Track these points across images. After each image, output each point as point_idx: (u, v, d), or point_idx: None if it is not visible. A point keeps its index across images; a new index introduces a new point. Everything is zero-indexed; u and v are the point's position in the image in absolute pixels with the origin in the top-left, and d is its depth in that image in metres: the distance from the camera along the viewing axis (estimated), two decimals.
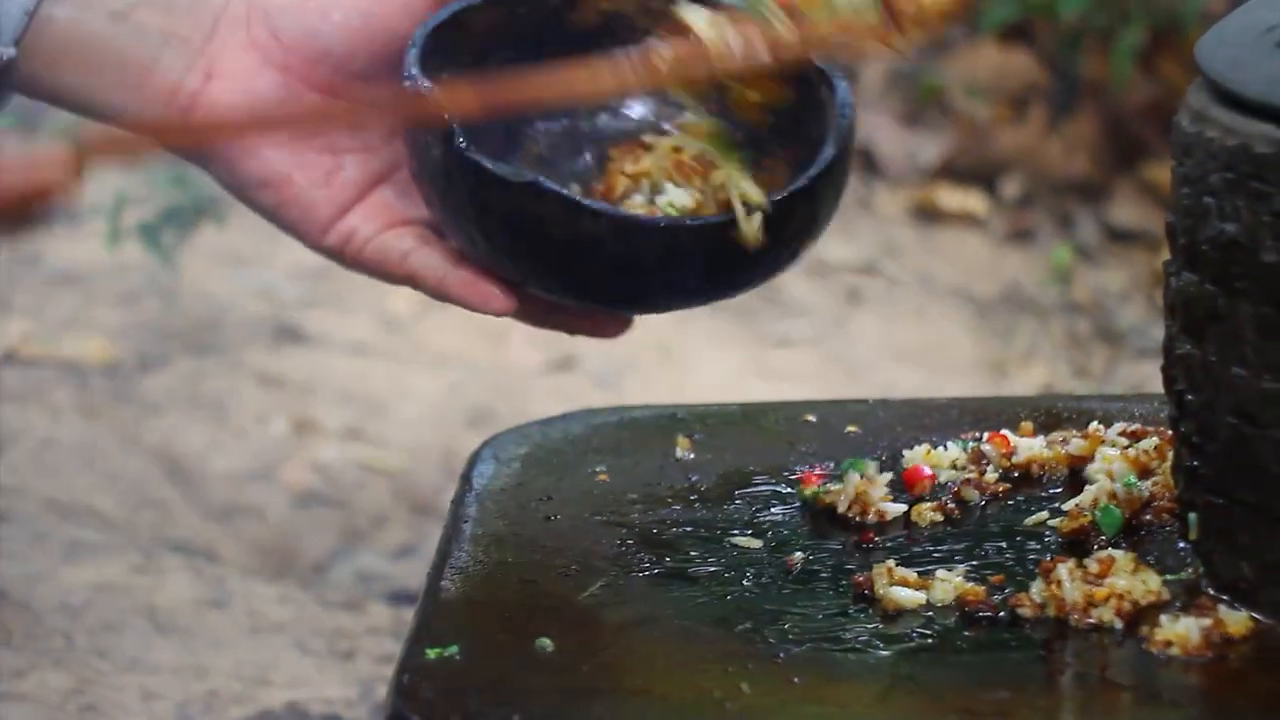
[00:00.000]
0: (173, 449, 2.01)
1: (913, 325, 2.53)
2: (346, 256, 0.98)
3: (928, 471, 0.98)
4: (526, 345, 2.31)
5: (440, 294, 0.97)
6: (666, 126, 1.02)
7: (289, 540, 1.90)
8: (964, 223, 2.82)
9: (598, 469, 1.03)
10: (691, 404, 1.11)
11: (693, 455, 1.04)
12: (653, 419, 1.09)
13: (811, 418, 1.08)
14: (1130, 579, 0.88)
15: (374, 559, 1.89)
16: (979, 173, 2.90)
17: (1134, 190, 2.83)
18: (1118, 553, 0.90)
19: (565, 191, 0.95)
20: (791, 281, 2.60)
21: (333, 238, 0.98)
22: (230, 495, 1.96)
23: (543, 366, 2.28)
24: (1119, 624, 0.87)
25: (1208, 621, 0.86)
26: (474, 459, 1.05)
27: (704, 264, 0.96)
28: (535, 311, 0.99)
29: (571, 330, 1.01)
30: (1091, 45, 2.90)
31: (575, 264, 0.95)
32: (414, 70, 0.95)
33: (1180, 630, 0.86)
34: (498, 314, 0.97)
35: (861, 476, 0.98)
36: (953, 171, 2.91)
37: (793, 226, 0.97)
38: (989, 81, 3.02)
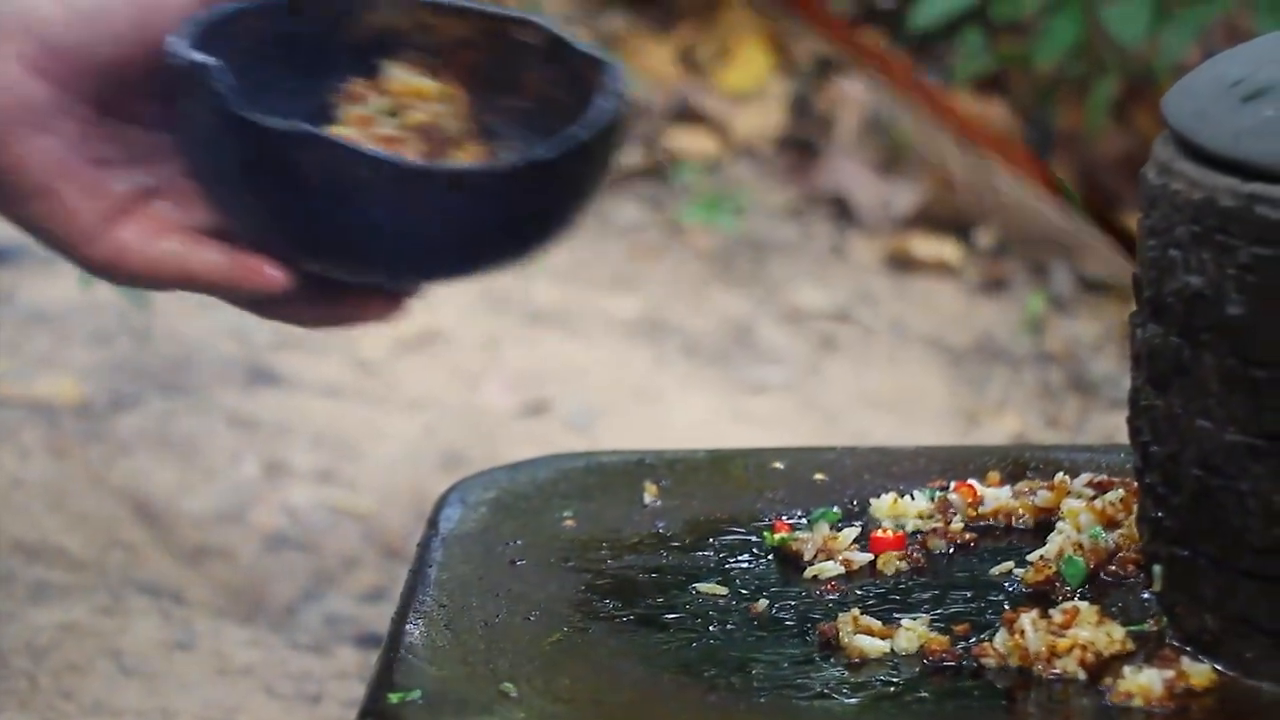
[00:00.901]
0: (142, 490, 2.00)
1: (886, 373, 2.54)
2: (119, 268, 0.98)
3: (892, 535, 0.98)
4: (500, 389, 2.31)
5: (216, 285, 0.97)
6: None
7: (258, 582, 1.90)
8: (938, 272, 2.82)
9: (565, 515, 1.03)
10: (660, 450, 1.11)
11: (660, 502, 1.04)
12: (620, 465, 1.09)
13: (779, 465, 1.08)
14: (1094, 630, 0.88)
15: (343, 602, 1.88)
16: (953, 222, 2.91)
17: (1107, 241, 2.84)
18: (1082, 604, 0.90)
19: (338, 138, 0.94)
20: (766, 327, 2.61)
21: (103, 249, 0.97)
22: (200, 537, 1.95)
23: (516, 410, 2.28)
24: (1082, 675, 0.87)
25: (1171, 673, 0.86)
26: (441, 503, 1.05)
27: (477, 214, 0.95)
28: (307, 299, 0.98)
29: (344, 319, 1.00)
30: (1066, 96, 2.92)
31: (347, 221, 0.94)
32: (184, 46, 0.94)
33: (1143, 681, 0.86)
34: (271, 289, 0.97)
35: (830, 527, 0.98)
36: (926, 220, 2.92)
37: (561, 182, 0.96)
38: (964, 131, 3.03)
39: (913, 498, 1.01)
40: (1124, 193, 2.88)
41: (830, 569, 0.95)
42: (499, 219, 0.96)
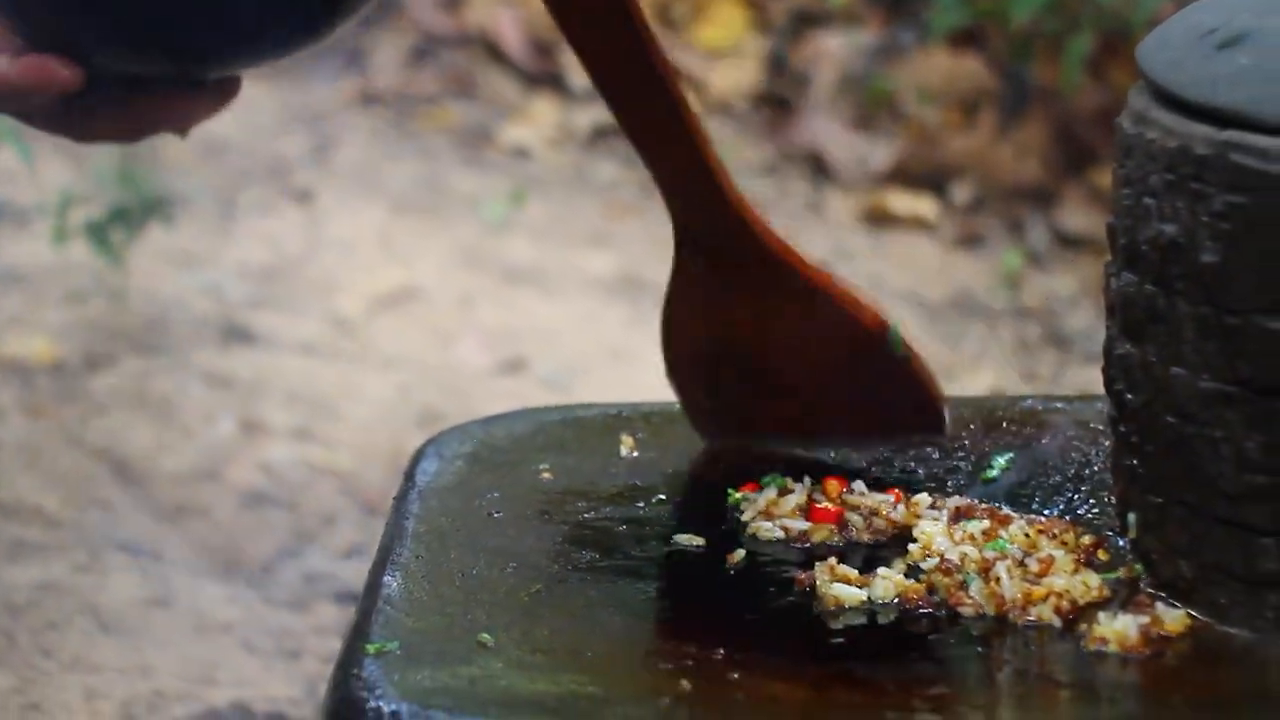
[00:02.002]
0: (119, 449, 2.00)
1: None
2: None
3: (831, 508, 0.97)
4: (476, 346, 2.31)
5: (10, 90, 0.95)
6: None
7: (236, 540, 1.90)
8: (914, 227, 2.82)
9: (541, 467, 1.03)
10: (635, 403, 1.11)
11: (636, 454, 1.04)
12: (597, 418, 1.09)
13: None
14: (1069, 578, 0.89)
15: (321, 559, 1.88)
16: (929, 178, 2.91)
17: (1084, 195, 2.85)
18: (1057, 553, 0.90)
19: None
20: None
21: None
22: (177, 495, 1.95)
23: (492, 368, 2.27)
24: (1058, 622, 0.87)
25: (1145, 619, 0.87)
26: (418, 456, 1.05)
27: None
28: (111, 105, 0.96)
29: (161, 120, 0.97)
30: (1042, 51, 2.91)
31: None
32: None
33: (1118, 627, 0.86)
34: (65, 87, 0.95)
35: (779, 492, 0.97)
36: (903, 176, 2.92)
37: None
38: (940, 87, 3.03)
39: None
40: (1100, 147, 2.89)
41: (766, 529, 0.95)
42: None
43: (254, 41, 0.95)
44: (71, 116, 0.97)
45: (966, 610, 0.89)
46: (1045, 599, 0.88)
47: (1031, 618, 0.88)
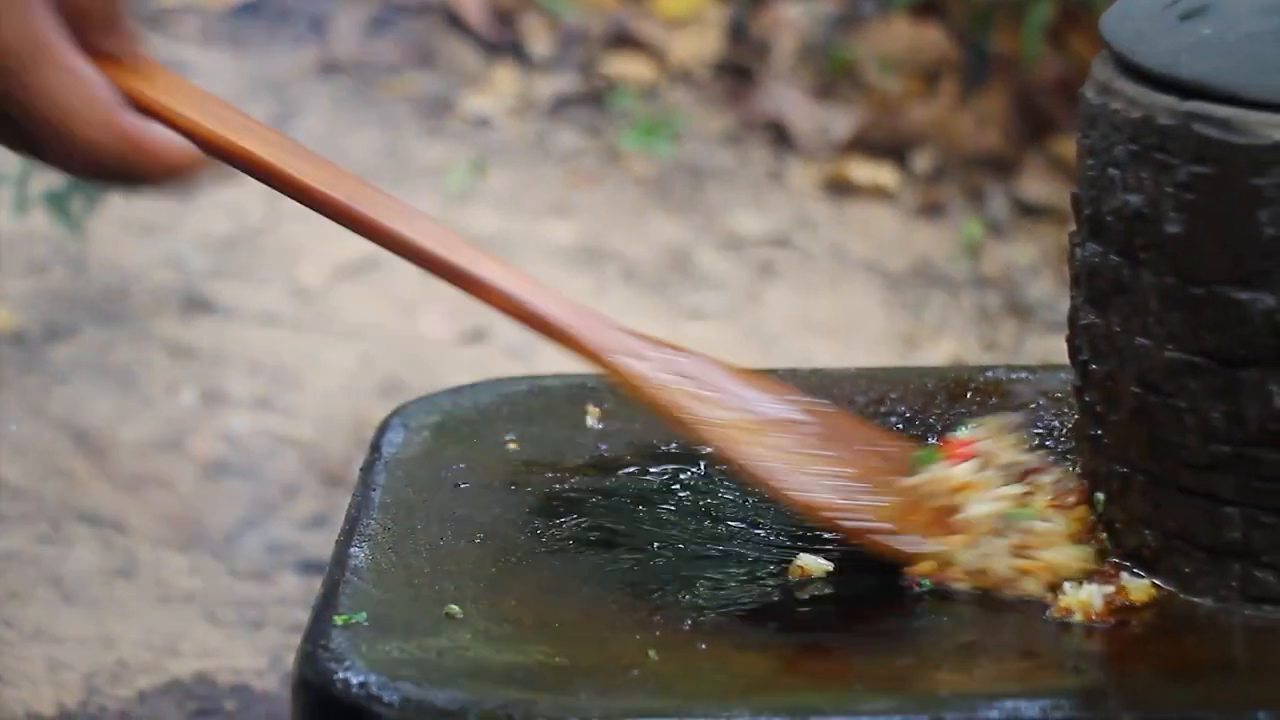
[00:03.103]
0: (80, 419, 1.99)
1: (825, 298, 2.55)
2: None
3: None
4: (439, 316, 2.30)
5: None
6: None
7: (198, 510, 1.89)
8: (875, 196, 2.83)
9: (508, 437, 1.03)
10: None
11: (602, 424, 1.04)
12: (563, 388, 1.09)
13: None
14: (1059, 551, 0.89)
15: (284, 529, 1.88)
16: (890, 146, 2.91)
17: (1044, 165, 2.85)
18: (1059, 524, 0.90)
19: None
20: (704, 254, 2.61)
21: None
22: (139, 465, 1.95)
23: (455, 337, 2.27)
24: (1048, 596, 0.87)
25: (1111, 589, 0.87)
26: (383, 427, 1.05)
27: None
28: None
29: None
30: (1002, 20, 2.92)
31: None
32: None
33: (1083, 597, 0.87)
34: None
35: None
36: (864, 145, 2.92)
37: None
38: (900, 55, 3.03)
39: None
40: (1060, 116, 2.89)
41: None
42: None
43: None
44: None
45: (944, 580, 0.88)
46: (1035, 573, 0.88)
47: (1019, 592, 0.87)
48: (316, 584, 0.94)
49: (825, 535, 0.93)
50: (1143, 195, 0.87)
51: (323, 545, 1.81)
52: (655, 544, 0.94)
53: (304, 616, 0.90)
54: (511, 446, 1.02)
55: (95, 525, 1.81)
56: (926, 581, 0.89)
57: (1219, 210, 0.85)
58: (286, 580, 1.77)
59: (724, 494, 0.98)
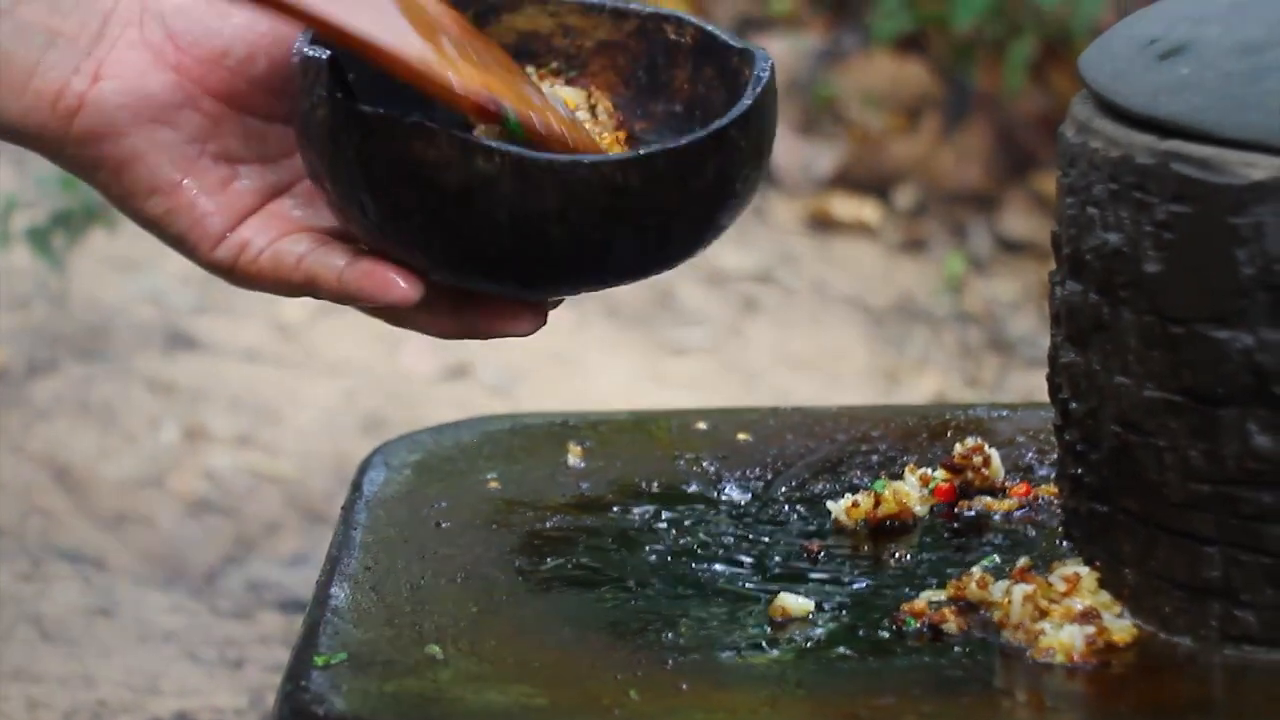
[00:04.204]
0: (61, 455, 1.99)
1: (807, 334, 2.55)
2: (238, 269, 0.93)
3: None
4: (420, 352, 2.30)
5: (340, 292, 0.92)
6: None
7: (179, 548, 1.89)
8: (858, 232, 2.83)
9: (489, 476, 1.03)
10: (583, 411, 1.12)
11: (584, 463, 1.04)
12: (544, 426, 1.09)
13: (703, 425, 1.09)
14: (1093, 597, 0.88)
15: (265, 567, 1.88)
16: (873, 182, 2.92)
17: (1026, 201, 2.86)
18: (1083, 569, 0.90)
19: (456, 132, 0.88)
20: (687, 290, 2.61)
21: (224, 250, 0.93)
22: (120, 502, 1.94)
23: (437, 374, 2.27)
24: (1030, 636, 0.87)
25: (1091, 629, 0.87)
26: (365, 466, 1.05)
27: (603, 214, 0.89)
28: (442, 308, 0.93)
29: (483, 330, 0.94)
30: (984, 56, 2.93)
31: (472, 219, 0.88)
32: (306, 40, 0.89)
33: (1064, 638, 0.87)
34: (401, 303, 0.91)
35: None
36: (847, 181, 2.93)
37: (701, 179, 0.90)
38: (883, 92, 3.04)
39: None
40: (1041, 152, 2.90)
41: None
42: (630, 220, 0.89)
43: (605, 274, 0.92)
44: (402, 315, 0.93)
45: (949, 628, 0.88)
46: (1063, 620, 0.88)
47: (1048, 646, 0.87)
48: (297, 622, 0.94)
49: (810, 575, 0.93)
50: (1122, 234, 0.88)
51: (304, 583, 1.81)
52: (636, 583, 0.93)
53: (285, 655, 0.90)
54: (493, 485, 1.02)
55: (75, 563, 1.81)
56: (911, 621, 0.89)
57: (1198, 249, 0.86)
58: (267, 618, 1.76)
59: (705, 534, 0.98)
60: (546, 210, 0.88)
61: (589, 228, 0.89)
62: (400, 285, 0.91)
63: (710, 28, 0.96)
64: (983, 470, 1.00)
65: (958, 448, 1.01)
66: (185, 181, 0.92)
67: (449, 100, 0.89)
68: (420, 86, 0.89)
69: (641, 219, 0.90)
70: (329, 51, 0.89)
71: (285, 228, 0.94)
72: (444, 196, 0.89)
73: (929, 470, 1.00)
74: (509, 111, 0.89)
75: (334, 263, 0.92)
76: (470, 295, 0.93)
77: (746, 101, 0.91)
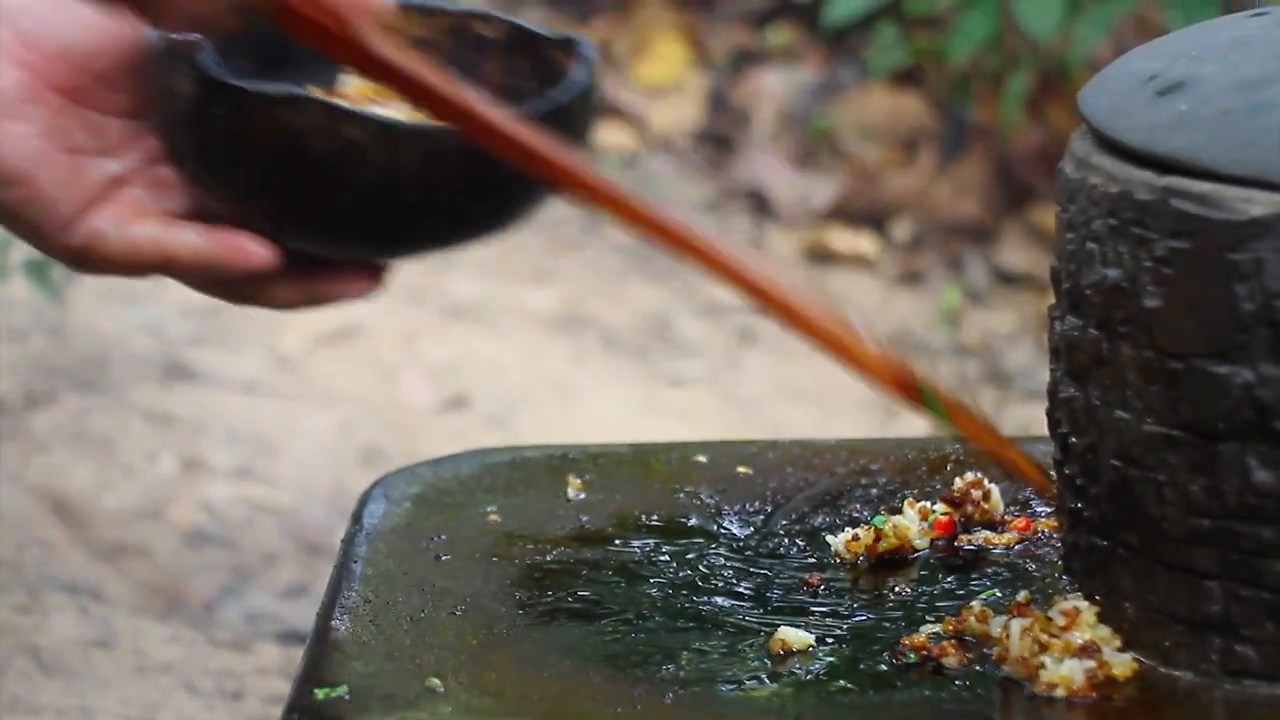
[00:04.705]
0: (59, 487, 1.99)
1: (804, 366, 2.55)
2: (94, 256, 0.96)
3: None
4: (418, 383, 2.30)
5: (197, 264, 0.96)
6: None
7: (177, 579, 1.89)
8: (855, 265, 2.84)
9: (489, 509, 1.03)
10: (583, 444, 1.12)
11: (584, 495, 1.05)
12: (544, 459, 1.09)
13: (702, 458, 1.09)
14: (1093, 631, 0.88)
15: (263, 598, 1.88)
16: (870, 215, 2.93)
17: (1023, 234, 2.87)
18: (1082, 604, 0.90)
19: (324, 99, 0.93)
20: (684, 321, 2.61)
21: (78, 237, 0.95)
22: (118, 534, 1.94)
23: (435, 405, 2.27)
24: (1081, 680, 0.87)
25: (1092, 663, 0.87)
26: (365, 498, 1.05)
27: (462, 181, 0.94)
28: (286, 278, 0.97)
29: (324, 295, 0.98)
30: (981, 90, 2.94)
31: (341, 185, 0.92)
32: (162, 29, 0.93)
33: (1065, 672, 0.87)
34: (257, 269, 0.95)
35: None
36: (844, 214, 2.94)
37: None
38: (880, 125, 3.05)
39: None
40: (1038, 185, 2.91)
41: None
42: (481, 183, 0.94)
43: (452, 235, 0.97)
44: (255, 288, 0.97)
45: (951, 662, 0.88)
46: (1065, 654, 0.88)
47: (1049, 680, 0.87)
48: (295, 654, 0.94)
49: (811, 608, 0.93)
50: (1121, 269, 0.88)
51: (302, 614, 1.81)
52: (637, 616, 0.93)
53: (283, 687, 0.90)
54: (493, 518, 1.02)
55: (73, 594, 1.81)
56: (912, 654, 0.89)
57: (1197, 284, 0.86)
58: (266, 650, 1.76)
59: (705, 566, 0.98)
60: (413, 176, 0.93)
61: (452, 193, 0.94)
62: (257, 251, 0.95)
63: (521, 23, 1.00)
64: (982, 504, 1.01)
65: (957, 481, 1.01)
66: (37, 174, 0.95)
67: (863, 370, 0.91)
68: (831, 351, 0.92)
69: (499, 184, 0.94)
70: (189, 34, 0.93)
71: (135, 213, 0.97)
72: (313, 164, 0.92)
73: (928, 504, 1.01)
74: (924, 383, 0.91)
75: (188, 238, 0.96)
76: (313, 263, 0.97)
77: (579, 76, 0.97)
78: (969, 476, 1.01)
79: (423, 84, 0.92)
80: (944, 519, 0.99)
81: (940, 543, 0.99)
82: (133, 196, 0.97)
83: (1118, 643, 0.88)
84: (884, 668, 0.89)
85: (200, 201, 0.97)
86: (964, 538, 0.99)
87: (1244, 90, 0.88)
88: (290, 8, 0.92)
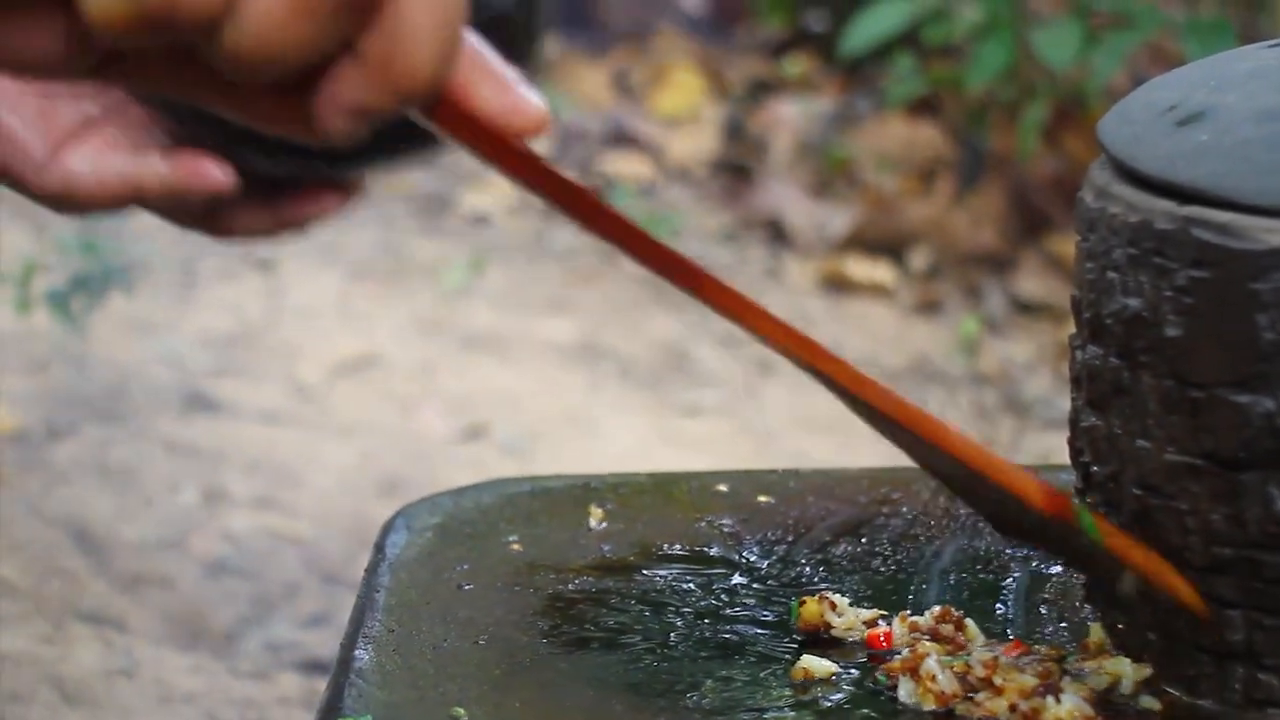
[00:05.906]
0: (81, 518, 1.99)
1: (821, 395, 2.55)
2: (69, 195, 0.98)
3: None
4: (437, 414, 2.31)
5: (164, 190, 0.97)
6: None
7: (199, 609, 1.89)
8: (872, 293, 2.84)
9: (510, 539, 1.03)
10: (604, 474, 1.12)
11: (605, 525, 1.05)
12: (565, 489, 1.09)
13: (723, 488, 1.09)
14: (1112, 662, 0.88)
15: (285, 628, 1.88)
16: (887, 244, 2.93)
17: (1040, 262, 2.87)
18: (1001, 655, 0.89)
19: None
20: (701, 351, 2.61)
21: (52, 178, 0.97)
22: (140, 564, 1.95)
23: (453, 435, 2.28)
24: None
25: (1105, 682, 0.87)
26: (387, 528, 1.05)
27: None
28: (254, 204, 0.98)
29: (293, 217, 0.99)
30: (997, 120, 2.94)
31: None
32: None
33: (1069, 707, 0.87)
34: (219, 188, 0.96)
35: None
36: (861, 243, 2.94)
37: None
38: (897, 154, 3.05)
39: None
40: (1055, 214, 2.91)
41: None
42: None
43: (411, 143, 0.97)
44: (216, 215, 0.99)
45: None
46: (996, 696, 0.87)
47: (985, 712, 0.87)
48: (317, 683, 0.94)
49: (830, 636, 0.93)
50: (1142, 299, 0.88)
51: (323, 644, 1.81)
52: (660, 645, 0.94)
53: (304, 716, 0.90)
54: (515, 548, 1.03)
55: (96, 625, 1.81)
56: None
57: (1218, 314, 0.86)
58: (287, 680, 1.76)
59: (727, 595, 0.98)
60: None
61: None
62: (214, 171, 0.97)
63: None
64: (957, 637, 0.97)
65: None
66: (7, 117, 0.97)
67: (1023, 497, 0.89)
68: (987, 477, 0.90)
69: None
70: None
71: (104, 149, 0.98)
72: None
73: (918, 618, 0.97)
74: (1083, 510, 0.89)
75: (154, 166, 0.97)
76: (278, 188, 0.98)
77: None
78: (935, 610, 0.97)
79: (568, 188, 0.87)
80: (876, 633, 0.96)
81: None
82: (104, 135, 0.99)
83: (1140, 672, 0.88)
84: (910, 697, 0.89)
85: (173, 139, 0.99)
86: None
87: (1264, 120, 0.88)
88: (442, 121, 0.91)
